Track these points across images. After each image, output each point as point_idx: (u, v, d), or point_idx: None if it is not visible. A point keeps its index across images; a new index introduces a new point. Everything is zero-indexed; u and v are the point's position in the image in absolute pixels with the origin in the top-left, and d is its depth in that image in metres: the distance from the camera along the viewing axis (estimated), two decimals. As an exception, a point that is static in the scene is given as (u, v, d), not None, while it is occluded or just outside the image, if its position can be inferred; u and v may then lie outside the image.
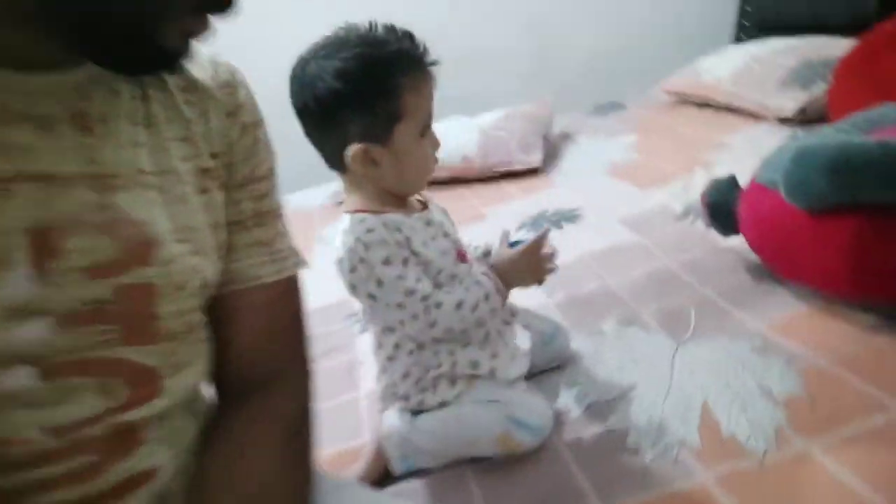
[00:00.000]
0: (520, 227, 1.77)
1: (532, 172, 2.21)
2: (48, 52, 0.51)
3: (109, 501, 0.57)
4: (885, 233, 0.97)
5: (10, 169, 0.48)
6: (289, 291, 0.72)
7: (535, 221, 1.78)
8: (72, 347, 0.52)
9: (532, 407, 0.96)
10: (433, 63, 0.92)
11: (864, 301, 1.06)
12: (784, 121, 1.99)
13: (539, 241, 1.01)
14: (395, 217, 0.93)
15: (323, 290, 1.27)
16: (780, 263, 1.16)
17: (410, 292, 0.89)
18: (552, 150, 2.35)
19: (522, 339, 1.08)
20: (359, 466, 0.99)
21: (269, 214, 0.71)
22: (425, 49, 0.90)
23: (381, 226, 0.90)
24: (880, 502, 0.75)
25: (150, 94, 0.60)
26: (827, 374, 0.96)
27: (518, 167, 2.19)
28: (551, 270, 1.03)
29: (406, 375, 0.97)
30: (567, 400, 1.05)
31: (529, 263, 1.01)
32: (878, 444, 0.82)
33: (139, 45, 0.51)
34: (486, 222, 1.90)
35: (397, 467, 0.97)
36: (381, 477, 0.98)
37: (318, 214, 2.27)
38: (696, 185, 1.67)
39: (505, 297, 0.97)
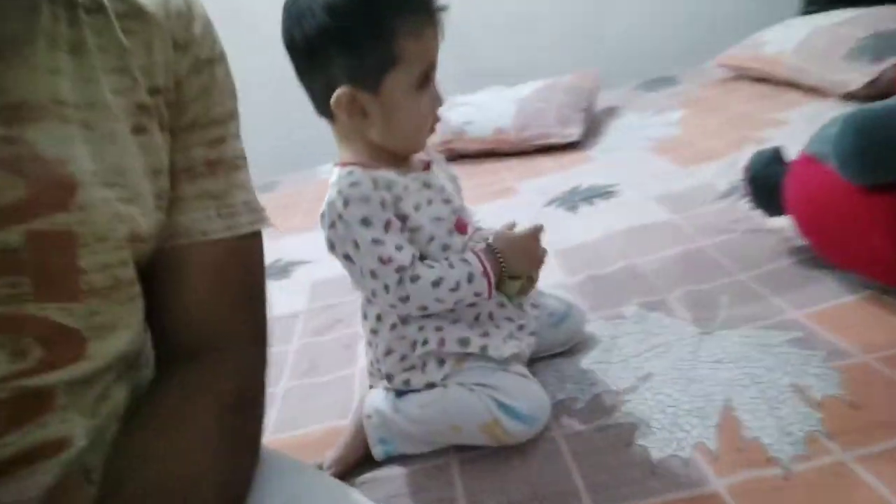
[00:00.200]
0: (549, 203, 1.66)
1: (570, 147, 2.08)
2: None
3: (11, 471, 0.50)
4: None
5: None
6: (241, 252, 0.64)
7: (567, 197, 1.66)
8: None
9: (526, 394, 0.86)
10: (441, 8, 0.82)
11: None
12: (849, 97, 1.80)
13: (539, 229, 0.92)
14: (386, 174, 0.84)
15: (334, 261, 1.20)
16: (828, 247, 1.02)
17: (386, 260, 0.80)
18: (594, 125, 2.21)
19: (528, 318, 0.97)
20: (336, 448, 0.90)
21: (222, 163, 0.63)
22: None
23: (369, 181, 0.81)
24: (927, 529, 0.62)
25: (82, 17, 0.53)
26: (873, 373, 0.82)
27: (555, 140, 2.07)
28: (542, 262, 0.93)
29: (389, 352, 0.88)
30: (572, 388, 0.94)
31: (528, 249, 0.91)
32: (930, 460, 0.70)
33: None
34: (515, 198, 1.79)
35: (376, 451, 0.89)
36: (359, 460, 0.90)
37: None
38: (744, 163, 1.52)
39: (493, 281, 0.86)
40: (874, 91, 1.73)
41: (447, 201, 0.90)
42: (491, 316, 0.91)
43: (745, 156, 1.59)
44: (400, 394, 0.89)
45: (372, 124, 0.84)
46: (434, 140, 1.60)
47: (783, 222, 1.17)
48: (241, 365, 0.63)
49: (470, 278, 0.84)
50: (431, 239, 0.86)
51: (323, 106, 0.84)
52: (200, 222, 0.60)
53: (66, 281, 0.51)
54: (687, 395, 0.87)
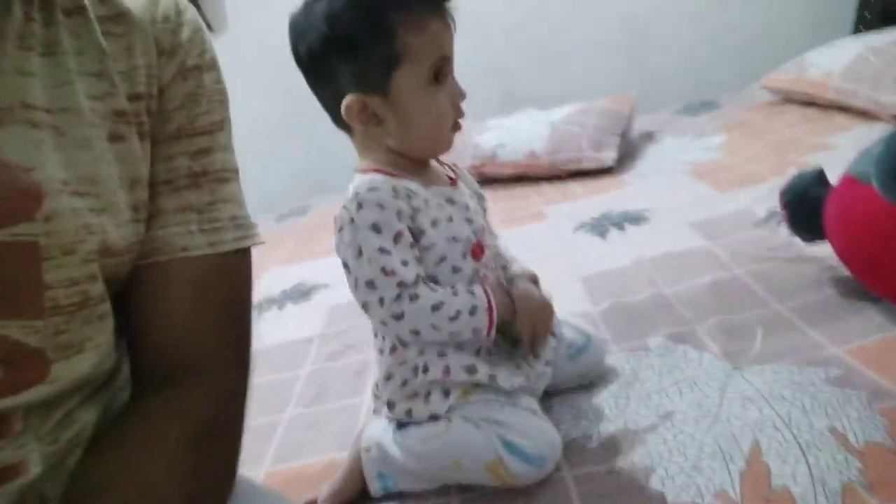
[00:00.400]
0: (578, 228, 1.59)
1: (605, 172, 2.01)
2: None
3: None
4: None
5: None
6: (224, 270, 0.60)
7: (597, 222, 1.60)
8: None
9: (535, 432, 0.79)
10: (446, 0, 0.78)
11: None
12: (902, 119, 1.70)
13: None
14: (408, 184, 0.80)
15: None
16: (869, 274, 0.93)
17: (389, 272, 0.75)
18: (630, 150, 2.14)
19: (545, 350, 0.91)
20: (332, 481, 0.85)
21: (208, 175, 0.59)
22: None
23: (389, 189, 0.78)
24: None
25: (59, 19, 0.51)
26: (922, 418, 0.74)
27: (588, 165, 2.00)
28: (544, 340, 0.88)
29: (389, 377, 0.83)
30: (587, 425, 0.87)
31: (540, 314, 0.86)
32: None
33: None
34: (544, 223, 1.73)
35: (374, 487, 0.83)
36: (356, 495, 0.84)
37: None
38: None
39: (495, 320, 0.81)
40: (929, 113, 1.63)
41: (469, 221, 0.85)
42: (497, 343, 0.85)
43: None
44: (401, 425, 0.83)
45: (388, 130, 0.80)
46: (465, 163, 1.57)
47: (825, 250, 1.09)
48: (216, 389, 0.59)
49: (473, 311, 0.79)
50: (442, 259, 0.81)
51: (337, 118, 0.82)
52: (181, 237, 0.57)
53: (29, 297, 0.48)
54: (711, 435, 0.79)
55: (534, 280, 0.94)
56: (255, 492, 0.64)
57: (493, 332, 0.81)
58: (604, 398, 0.92)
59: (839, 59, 2.01)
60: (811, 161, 1.62)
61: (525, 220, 1.77)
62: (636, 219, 1.56)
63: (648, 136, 2.26)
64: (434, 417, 0.82)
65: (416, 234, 0.80)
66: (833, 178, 1.06)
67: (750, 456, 0.75)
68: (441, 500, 0.81)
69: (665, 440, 0.81)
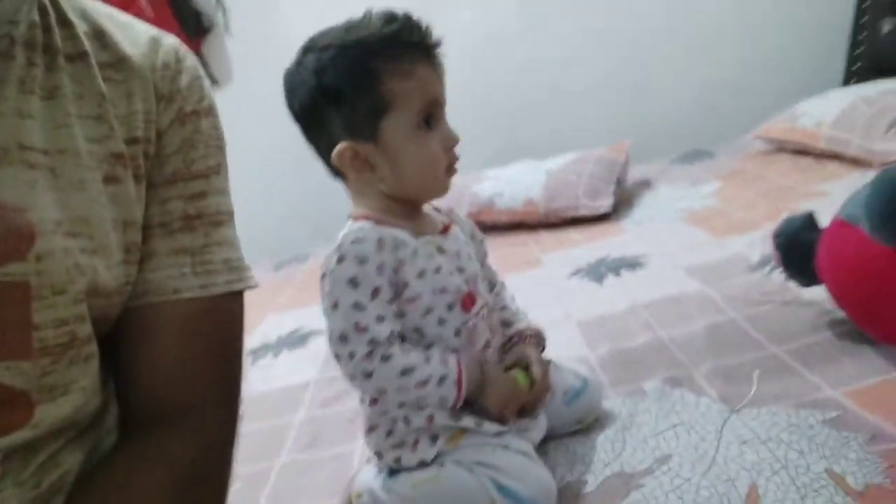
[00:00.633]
0: (574, 274, 1.59)
1: (601, 219, 2.03)
2: None
3: None
4: None
5: None
6: (215, 313, 0.60)
7: (593, 268, 1.60)
8: None
9: (528, 475, 0.78)
10: (433, 45, 0.80)
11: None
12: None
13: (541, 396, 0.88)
14: (398, 234, 0.80)
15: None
16: (865, 318, 0.93)
17: (361, 328, 0.75)
18: (626, 197, 2.16)
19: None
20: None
21: (202, 219, 0.60)
22: (421, 30, 0.79)
23: (375, 241, 0.78)
24: None
25: (61, 64, 0.52)
26: (921, 460, 0.73)
27: (584, 213, 2.02)
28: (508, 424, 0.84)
29: (373, 428, 0.82)
30: (582, 469, 0.86)
31: (515, 396, 0.84)
32: None
33: None
34: (541, 269, 1.74)
35: (364, 536, 0.82)
36: (347, 544, 0.82)
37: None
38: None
39: (462, 395, 0.79)
40: (920, 160, 1.65)
41: (461, 270, 0.85)
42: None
43: (780, 226, 1.52)
44: (392, 472, 0.82)
45: (381, 176, 0.81)
46: (462, 211, 1.58)
47: (820, 294, 1.09)
48: (202, 434, 0.58)
49: (441, 381, 0.78)
50: (429, 311, 0.81)
51: (332, 166, 0.83)
52: (173, 279, 0.57)
53: (17, 337, 0.47)
54: (708, 479, 0.78)
55: (538, 337, 0.94)
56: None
57: (461, 404, 0.80)
58: (600, 442, 0.91)
59: (830, 108, 2.04)
60: (804, 208, 1.63)
61: (522, 266, 1.77)
62: (632, 264, 1.56)
63: (644, 184, 2.28)
64: (423, 464, 0.81)
65: (399, 287, 0.80)
66: (825, 224, 1.07)
67: (747, 499, 0.73)
68: (434, 547, 0.79)
69: (661, 484, 0.79)
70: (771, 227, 1.51)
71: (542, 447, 0.90)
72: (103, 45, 0.56)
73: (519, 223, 2.12)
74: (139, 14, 1.53)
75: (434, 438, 0.80)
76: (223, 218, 0.62)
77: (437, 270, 0.82)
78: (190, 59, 0.63)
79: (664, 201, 2.06)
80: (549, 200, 2.06)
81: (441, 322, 0.82)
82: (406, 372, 0.76)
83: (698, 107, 2.76)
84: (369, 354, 0.75)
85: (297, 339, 1.63)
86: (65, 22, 0.53)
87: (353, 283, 0.76)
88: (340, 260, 0.77)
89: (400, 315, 0.80)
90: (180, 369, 0.58)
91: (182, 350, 0.58)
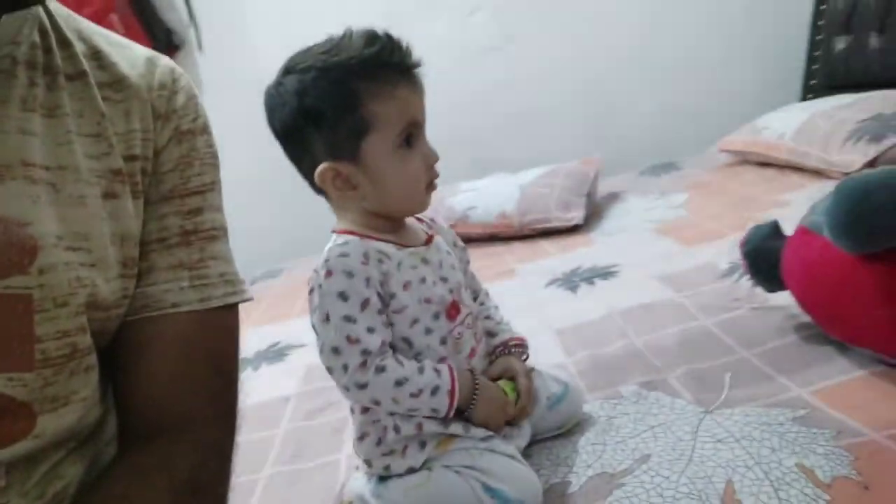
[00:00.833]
0: (549, 283, 1.63)
1: (573, 230, 2.07)
2: None
3: None
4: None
5: None
6: (213, 326, 0.62)
7: (567, 278, 1.64)
8: None
9: (514, 477, 0.80)
10: (413, 66, 0.82)
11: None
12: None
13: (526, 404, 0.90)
14: (382, 247, 0.82)
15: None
16: (830, 321, 0.98)
17: (353, 340, 0.77)
18: (597, 209, 2.22)
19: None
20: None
21: (198, 234, 0.62)
22: (402, 51, 0.80)
23: (360, 255, 0.80)
24: None
25: (62, 83, 0.54)
26: (884, 452, 0.77)
27: (556, 224, 2.06)
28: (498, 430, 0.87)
29: (363, 436, 0.84)
30: (565, 471, 0.89)
31: (502, 409, 0.86)
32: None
33: None
34: (516, 279, 1.77)
35: (355, 542, 0.83)
36: (338, 551, 0.84)
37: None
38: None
39: (454, 405, 0.82)
40: (875, 171, 1.72)
41: (444, 279, 0.88)
42: None
43: (746, 235, 1.58)
44: (382, 479, 0.84)
45: (363, 195, 0.83)
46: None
47: (787, 299, 1.14)
48: (200, 445, 0.59)
49: (435, 391, 0.80)
50: (415, 321, 0.83)
51: (315, 185, 0.84)
52: (172, 293, 0.59)
53: (20, 349, 0.49)
54: (686, 476, 0.81)
55: (521, 346, 0.96)
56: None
57: (452, 414, 0.82)
58: (581, 445, 0.94)
59: (790, 122, 2.12)
60: (768, 217, 1.69)
61: (497, 277, 1.80)
62: (605, 274, 1.61)
63: (614, 197, 2.34)
64: (412, 470, 0.83)
65: (386, 299, 0.82)
66: (789, 232, 1.12)
67: (724, 495, 0.77)
68: (424, 551, 0.81)
69: (642, 482, 0.82)
70: (738, 236, 1.57)
71: (527, 451, 0.93)
72: (101, 66, 0.57)
73: (493, 235, 2.15)
74: (109, 30, 1.53)
75: (423, 445, 0.82)
76: (218, 233, 0.64)
77: (422, 281, 0.85)
78: (185, 79, 0.65)
79: (634, 212, 2.11)
80: (522, 214, 2.10)
81: (427, 332, 0.84)
82: (400, 383, 0.78)
83: (664, 123, 2.84)
84: (363, 365, 0.77)
85: (275, 354, 1.63)
86: (64, 43, 0.55)
87: (343, 296, 0.78)
88: (328, 274, 0.79)
89: (388, 325, 0.82)
90: (179, 382, 0.60)
91: (181, 363, 0.60)
